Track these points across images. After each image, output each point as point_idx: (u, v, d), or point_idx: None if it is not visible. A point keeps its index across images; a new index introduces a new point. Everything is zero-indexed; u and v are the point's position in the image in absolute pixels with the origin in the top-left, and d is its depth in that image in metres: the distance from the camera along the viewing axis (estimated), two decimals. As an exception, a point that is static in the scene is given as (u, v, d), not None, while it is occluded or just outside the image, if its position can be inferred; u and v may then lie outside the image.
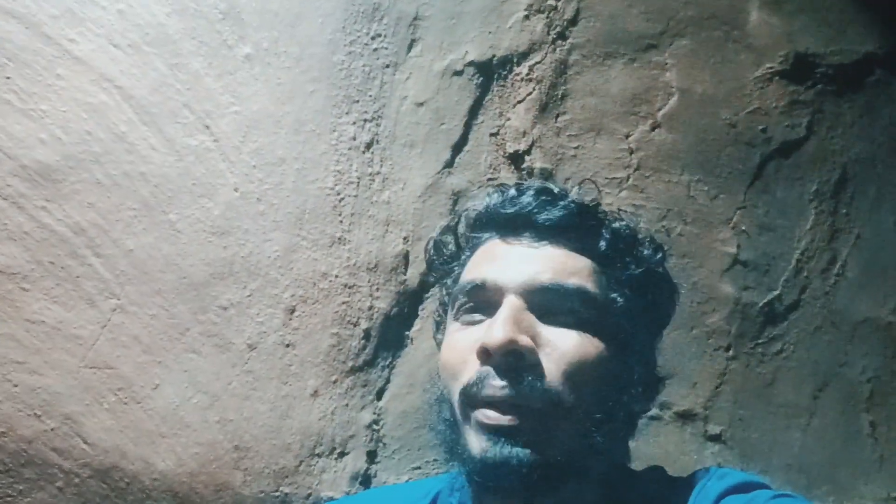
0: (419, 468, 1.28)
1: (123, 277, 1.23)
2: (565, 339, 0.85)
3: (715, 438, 1.34)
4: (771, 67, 1.40)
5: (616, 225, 0.95)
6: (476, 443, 0.82)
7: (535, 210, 0.92)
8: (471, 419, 0.84)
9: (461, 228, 1.02)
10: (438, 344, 1.04)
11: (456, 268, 1.00)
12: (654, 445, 1.32)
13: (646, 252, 0.96)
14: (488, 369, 0.83)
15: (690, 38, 1.40)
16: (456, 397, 0.86)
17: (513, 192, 0.95)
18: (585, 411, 0.84)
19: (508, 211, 0.93)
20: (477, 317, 0.89)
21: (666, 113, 1.39)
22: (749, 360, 1.36)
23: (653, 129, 1.39)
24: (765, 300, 1.37)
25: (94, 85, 1.25)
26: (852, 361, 1.38)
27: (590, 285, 0.88)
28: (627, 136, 1.38)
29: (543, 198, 0.93)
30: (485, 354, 0.83)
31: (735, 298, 1.36)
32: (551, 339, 0.85)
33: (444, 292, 1.01)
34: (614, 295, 0.90)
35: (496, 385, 0.82)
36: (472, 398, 0.83)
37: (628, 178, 1.37)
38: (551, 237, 0.91)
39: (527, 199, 0.93)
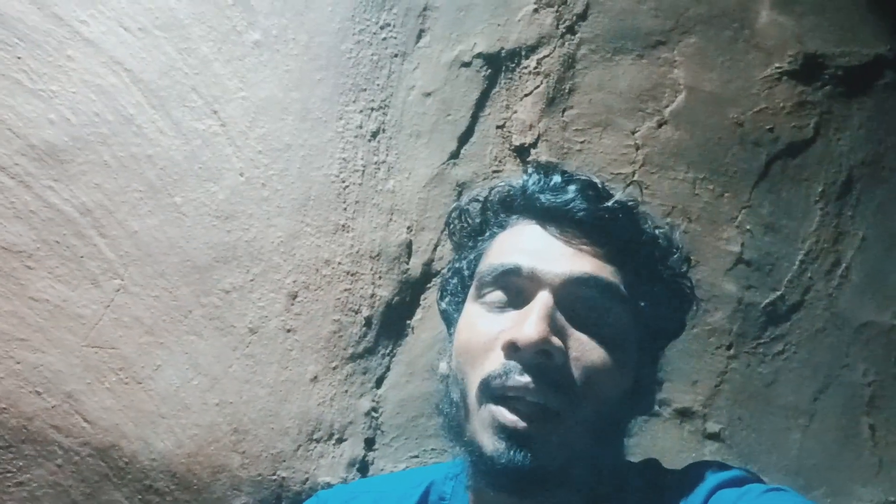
0: (417, 457, 1.28)
1: (127, 258, 1.23)
2: (593, 347, 0.85)
3: (714, 437, 1.34)
4: (780, 67, 1.40)
5: (655, 232, 0.95)
6: (489, 441, 0.82)
7: (579, 206, 0.90)
8: (486, 412, 0.83)
9: (491, 203, 0.99)
10: (443, 313, 1.04)
11: (480, 241, 0.99)
12: (652, 442, 1.32)
13: (676, 262, 0.96)
14: (515, 364, 0.82)
15: (699, 35, 1.40)
16: (474, 384, 0.86)
17: (557, 179, 0.93)
18: (598, 419, 0.85)
19: (552, 200, 0.91)
20: (504, 303, 0.89)
21: (673, 110, 1.39)
22: (750, 359, 1.36)
23: (659, 125, 1.38)
24: (767, 300, 1.37)
25: (103, 67, 1.26)
26: (854, 364, 1.37)
27: (623, 287, 0.88)
28: (634, 133, 1.38)
29: (590, 193, 0.91)
30: (513, 349, 0.83)
31: (738, 297, 1.36)
32: (580, 346, 0.84)
33: (464, 265, 1.00)
34: (643, 302, 0.90)
35: (521, 381, 0.81)
36: (492, 390, 0.83)
37: (634, 174, 1.37)
38: (592, 235, 0.89)
39: (571, 192, 0.91)
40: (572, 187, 0.91)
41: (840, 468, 1.34)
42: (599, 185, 0.93)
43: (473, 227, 1.01)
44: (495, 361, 0.84)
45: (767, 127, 1.39)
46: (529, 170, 0.97)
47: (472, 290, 0.93)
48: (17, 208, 1.21)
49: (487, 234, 0.98)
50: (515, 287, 0.88)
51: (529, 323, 0.82)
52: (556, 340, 0.82)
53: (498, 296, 0.89)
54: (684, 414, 1.34)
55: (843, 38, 1.42)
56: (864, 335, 1.38)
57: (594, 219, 0.89)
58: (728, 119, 1.39)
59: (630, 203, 0.92)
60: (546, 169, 0.97)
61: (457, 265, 1.02)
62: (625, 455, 0.95)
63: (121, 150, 1.25)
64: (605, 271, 0.88)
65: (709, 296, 1.36)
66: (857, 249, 1.40)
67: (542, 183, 0.94)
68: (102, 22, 1.26)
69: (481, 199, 1.01)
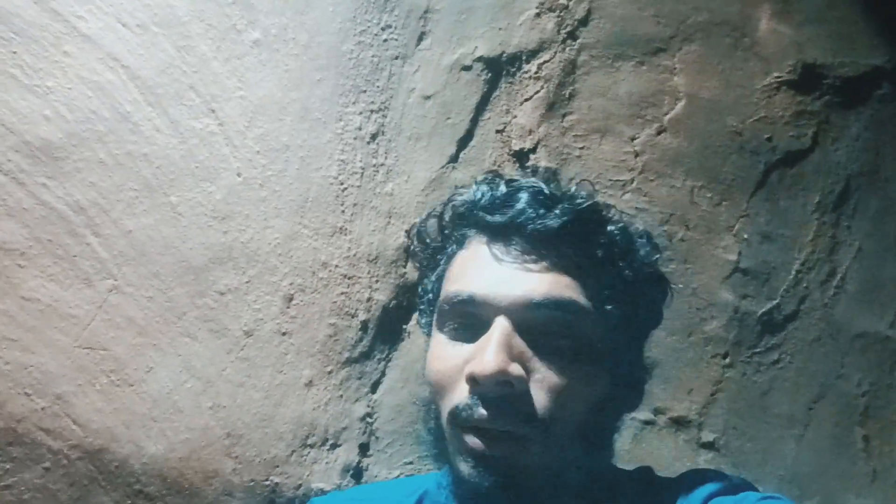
0: (411, 463, 1.27)
1: (121, 258, 1.22)
2: (556, 368, 0.83)
3: (708, 446, 1.33)
4: (779, 76, 1.40)
5: (611, 228, 0.91)
6: (463, 465, 0.82)
7: (528, 218, 0.87)
8: (456, 439, 0.83)
9: (446, 220, 0.97)
10: (422, 326, 1.03)
11: (441, 260, 0.97)
12: (647, 450, 1.32)
13: (640, 253, 0.93)
14: (476, 398, 0.81)
15: (700, 43, 1.40)
16: (444, 415, 0.85)
17: (503, 190, 0.91)
18: (572, 434, 0.84)
19: (498, 218, 0.88)
20: (465, 332, 0.87)
21: (672, 117, 1.39)
22: (745, 368, 1.36)
23: (659, 132, 1.38)
24: (763, 309, 1.37)
25: (100, 63, 1.24)
26: (848, 374, 1.37)
27: (583, 300, 0.85)
28: (633, 139, 1.38)
29: (537, 202, 0.88)
30: (473, 383, 0.81)
31: (734, 306, 1.36)
32: (542, 368, 0.83)
33: (429, 287, 0.98)
34: (608, 305, 0.87)
35: (483, 414, 0.80)
36: (460, 422, 0.82)
37: (632, 180, 1.37)
38: (545, 248, 0.86)
39: (519, 204, 0.88)
40: (520, 198, 0.89)
41: (834, 478, 1.34)
42: (547, 192, 0.89)
43: (433, 246, 1.00)
44: (461, 394, 0.83)
45: (766, 136, 1.40)
46: (477, 180, 0.95)
47: (435, 318, 0.92)
48: (9, 206, 1.19)
49: (448, 250, 0.96)
50: (472, 315, 0.86)
51: (487, 354, 0.80)
52: (514, 369, 0.81)
53: (458, 324, 0.88)
54: (679, 423, 1.34)
55: (841, 49, 1.42)
56: (859, 345, 1.38)
57: (544, 231, 0.86)
58: (727, 127, 1.40)
59: (581, 205, 0.89)
60: (492, 180, 0.94)
61: (425, 285, 1.01)
62: (614, 454, 0.95)
63: (117, 147, 1.23)
64: (560, 287, 0.85)
65: (705, 304, 1.36)
66: (853, 259, 1.40)
67: (488, 197, 0.91)
68: (100, 18, 1.25)
69: (437, 215, 0.99)
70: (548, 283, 0.85)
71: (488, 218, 0.89)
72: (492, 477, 0.80)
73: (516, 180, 0.93)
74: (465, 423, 0.82)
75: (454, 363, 0.85)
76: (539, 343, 0.84)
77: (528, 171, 1.34)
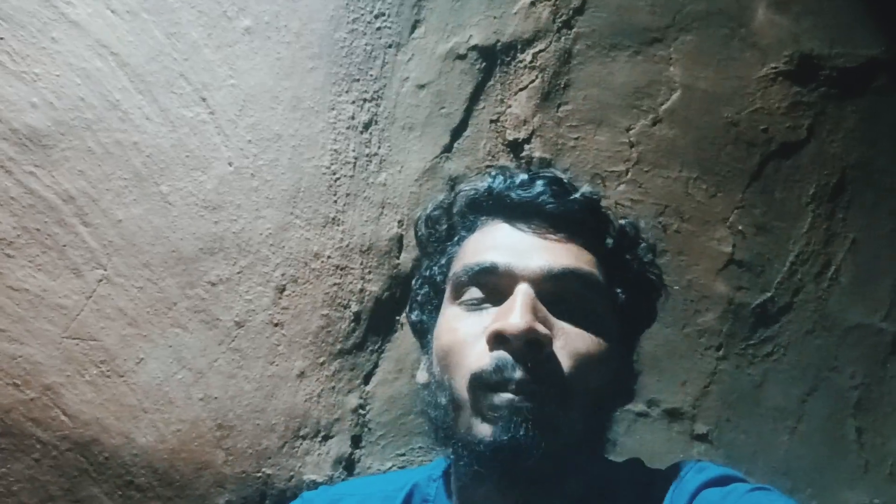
0: (404, 455, 1.26)
1: (111, 248, 1.20)
2: (576, 333, 0.85)
3: (702, 438, 1.34)
4: (775, 67, 1.40)
5: (622, 222, 0.96)
6: (486, 427, 0.81)
7: (548, 199, 0.91)
8: (481, 403, 0.82)
9: (457, 207, 0.99)
10: (414, 325, 1.03)
11: (449, 247, 0.98)
12: (640, 442, 1.32)
13: (644, 252, 0.98)
14: (506, 357, 0.81)
15: (696, 33, 1.39)
16: (463, 383, 0.84)
17: (523, 177, 0.94)
18: (584, 405, 0.84)
19: (519, 197, 0.92)
20: (482, 303, 0.88)
21: (668, 108, 1.38)
22: (739, 360, 1.36)
23: (654, 123, 1.38)
24: (758, 301, 1.37)
25: (89, 50, 1.22)
26: (842, 367, 1.38)
27: (599, 275, 0.89)
28: (628, 130, 1.37)
29: (555, 188, 0.92)
30: (500, 341, 0.82)
31: (728, 298, 1.36)
32: (564, 332, 0.84)
33: (436, 271, 0.99)
34: (618, 288, 0.91)
35: (515, 372, 0.80)
36: (487, 384, 0.82)
37: (627, 171, 1.36)
38: (561, 228, 0.90)
39: (538, 187, 0.92)
40: (539, 182, 0.93)
41: (827, 470, 1.34)
42: (565, 180, 0.94)
43: (441, 233, 1.01)
44: (483, 357, 0.83)
45: (762, 127, 1.39)
46: (493, 171, 0.98)
47: (447, 294, 0.93)
48: (-4, 194, 1.18)
49: (456, 238, 0.98)
50: (493, 285, 0.87)
51: (515, 313, 0.81)
52: (542, 328, 0.82)
53: (476, 295, 0.89)
54: (673, 415, 1.34)
55: (838, 40, 1.42)
56: (852, 338, 1.38)
57: (563, 211, 0.91)
58: (722, 118, 1.39)
59: (595, 196, 0.94)
60: (508, 169, 0.98)
61: (427, 273, 1.02)
62: (607, 451, 0.95)
63: (106, 136, 1.21)
64: (581, 262, 0.88)
65: (699, 296, 1.36)
66: (847, 251, 1.40)
67: (508, 182, 0.95)
68: (89, 3, 1.23)
69: (446, 204, 1.01)
70: (568, 254, 0.88)
71: (511, 195, 0.92)
72: (519, 431, 0.79)
73: (532, 169, 0.97)
74: (493, 383, 0.81)
75: (472, 330, 0.86)
76: (559, 313, 0.85)
77: (524, 161, 1.34)
